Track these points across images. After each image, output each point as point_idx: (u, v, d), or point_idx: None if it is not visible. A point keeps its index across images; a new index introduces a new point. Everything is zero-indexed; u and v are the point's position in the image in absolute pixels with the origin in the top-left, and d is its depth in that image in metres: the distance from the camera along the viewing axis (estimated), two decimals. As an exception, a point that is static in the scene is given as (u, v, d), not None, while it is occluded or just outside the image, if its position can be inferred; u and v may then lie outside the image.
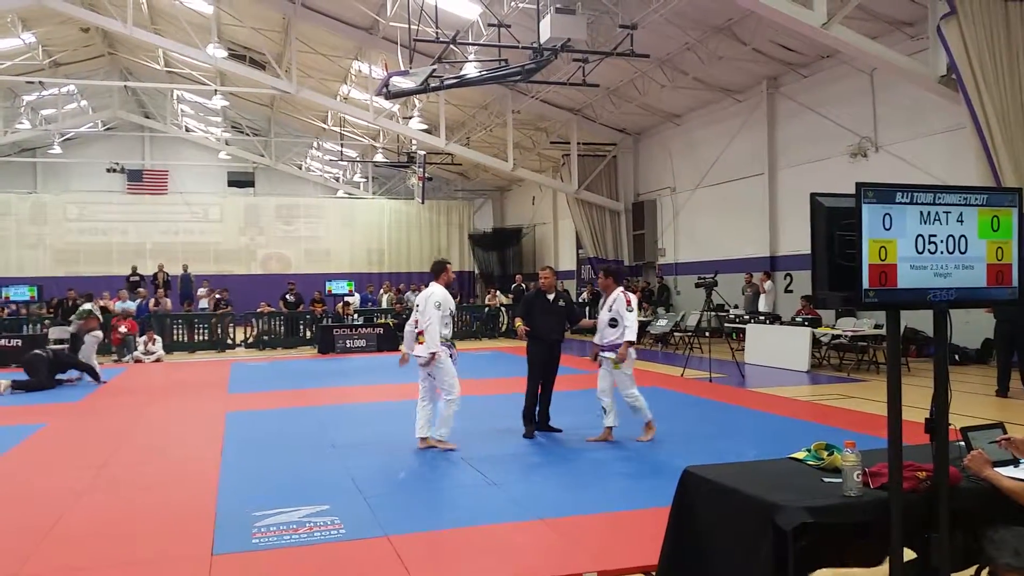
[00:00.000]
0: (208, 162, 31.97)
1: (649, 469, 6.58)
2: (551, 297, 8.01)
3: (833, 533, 3.35)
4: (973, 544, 3.17)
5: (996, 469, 3.13)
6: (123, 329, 17.30)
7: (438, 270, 7.56)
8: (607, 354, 7.45)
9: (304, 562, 4.46)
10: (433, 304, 7.21)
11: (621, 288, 7.55)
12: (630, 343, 7.30)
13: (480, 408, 9.09)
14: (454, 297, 7.36)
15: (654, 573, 3.52)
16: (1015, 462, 3.29)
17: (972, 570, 3.66)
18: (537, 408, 8.00)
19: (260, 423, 9.14)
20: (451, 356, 7.29)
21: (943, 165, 13.08)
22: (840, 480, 3.13)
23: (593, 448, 7.38)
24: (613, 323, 7.38)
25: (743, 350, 14.55)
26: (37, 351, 12.92)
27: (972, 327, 12.05)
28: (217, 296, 21.87)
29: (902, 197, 2.81)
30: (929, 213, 2.84)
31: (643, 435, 7.47)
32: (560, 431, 7.97)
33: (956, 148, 12.61)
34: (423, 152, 25.79)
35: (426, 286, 7.58)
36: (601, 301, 7.77)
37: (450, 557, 4.50)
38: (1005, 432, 3.39)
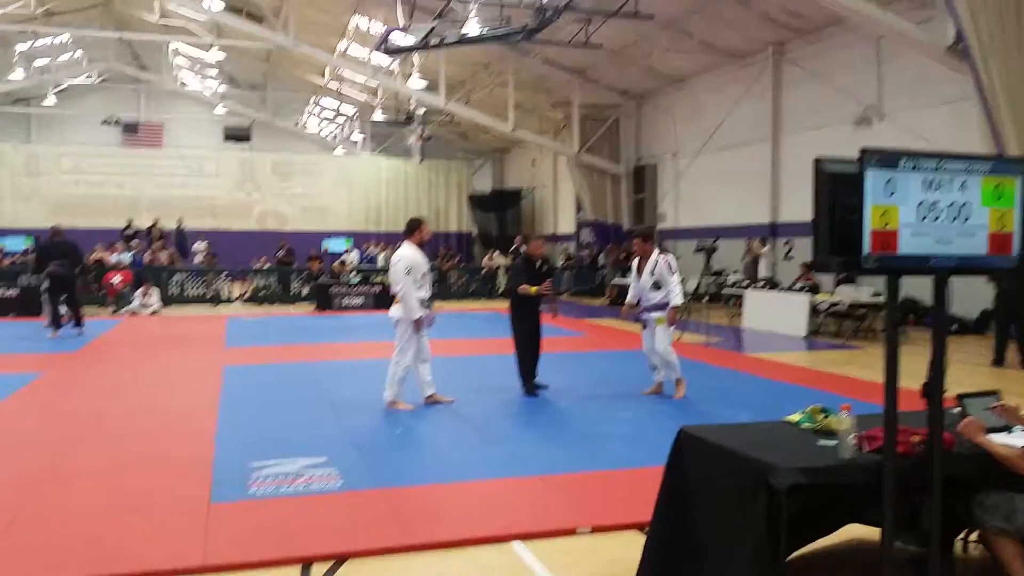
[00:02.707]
0: (204, 116, 31.66)
1: (643, 430, 6.64)
2: (537, 264, 8.13)
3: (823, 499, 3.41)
4: (963, 509, 3.22)
5: (989, 436, 3.16)
6: (117, 280, 17.27)
7: (411, 228, 7.27)
8: (655, 314, 7.65)
9: (301, 512, 4.51)
10: (403, 270, 6.99)
11: (659, 251, 7.76)
12: (676, 307, 7.64)
13: (478, 367, 9.15)
14: (433, 257, 7.26)
15: (647, 530, 3.56)
16: (1008, 428, 3.32)
17: (963, 534, 3.74)
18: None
19: (258, 377, 9.19)
20: (428, 319, 7.26)
21: (947, 136, 12.99)
22: (834, 443, 3.17)
23: (588, 409, 7.45)
24: (656, 286, 7.60)
25: (741, 316, 14.59)
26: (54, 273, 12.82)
27: (970, 298, 12.10)
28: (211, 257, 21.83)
29: (906, 163, 2.79)
30: (932, 180, 2.82)
31: (676, 391, 7.78)
32: (547, 387, 8.07)
33: (961, 119, 12.52)
34: (423, 110, 25.55)
35: (396, 247, 7.39)
36: (636, 264, 7.88)
37: (446, 511, 4.56)
38: (1000, 400, 3.41)
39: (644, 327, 7.83)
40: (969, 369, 9.35)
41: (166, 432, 6.46)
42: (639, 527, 4.16)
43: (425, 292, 7.21)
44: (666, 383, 7.92)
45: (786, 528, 3.06)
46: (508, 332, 8.07)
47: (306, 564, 3.80)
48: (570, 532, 4.21)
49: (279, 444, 5.92)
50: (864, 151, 2.72)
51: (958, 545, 3.74)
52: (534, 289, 7.78)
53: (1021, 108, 11.01)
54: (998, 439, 3.17)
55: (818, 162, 2.87)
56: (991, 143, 10.72)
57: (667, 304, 7.62)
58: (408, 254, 7.11)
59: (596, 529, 4.24)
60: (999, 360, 9.83)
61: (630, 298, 8.00)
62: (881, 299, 12.84)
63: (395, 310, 7.26)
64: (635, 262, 7.89)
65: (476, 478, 5.18)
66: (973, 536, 3.75)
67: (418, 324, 7.14)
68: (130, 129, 29.69)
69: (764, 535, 3.00)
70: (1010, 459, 3.02)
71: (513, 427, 6.83)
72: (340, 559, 3.86)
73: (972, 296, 11.94)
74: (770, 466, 2.96)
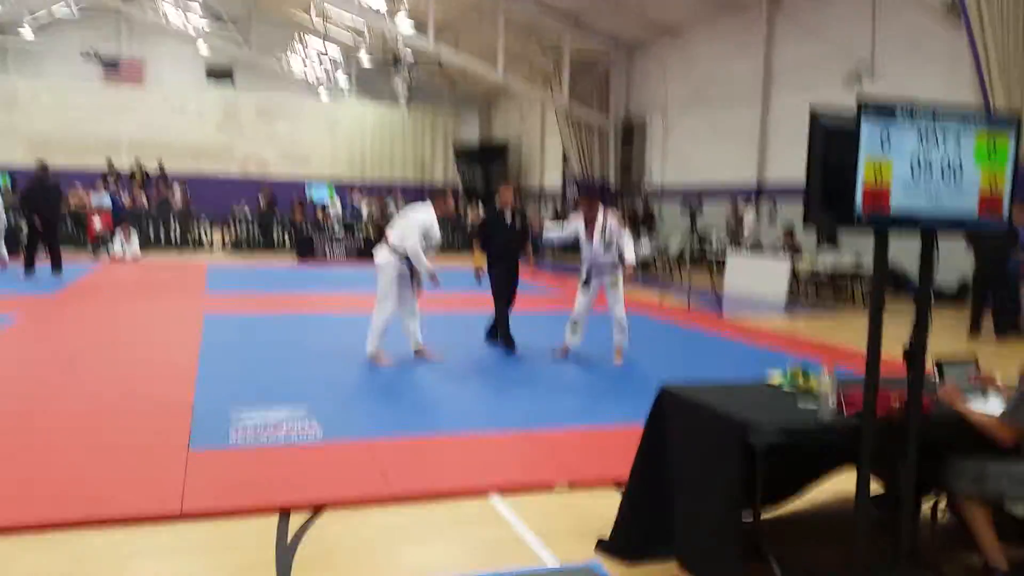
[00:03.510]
0: (186, 53, 30.88)
1: (623, 389, 6.67)
2: (508, 217, 7.98)
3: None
4: (935, 472, 3.25)
5: (966, 403, 3.18)
6: (98, 222, 17.03)
7: (435, 197, 7.36)
8: (607, 276, 7.40)
9: (281, 461, 4.51)
10: (419, 231, 7.00)
11: (606, 209, 7.42)
12: (633, 265, 7.40)
13: (461, 322, 9.13)
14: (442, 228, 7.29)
15: (624, 486, 3.58)
16: (984, 394, 3.35)
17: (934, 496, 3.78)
18: (494, 321, 8.15)
19: (239, 326, 9.12)
20: (411, 277, 7.16)
21: (938, 97, 12.90)
22: (814, 405, 3.18)
23: (568, 365, 7.47)
24: (607, 246, 7.26)
25: (722, 279, 14.62)
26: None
27: (949, 267, 12.16)
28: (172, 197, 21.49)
29: (902, 115, 2.75)
30: (927, 133, 2.78)
31: (616, 358, 7.53)
32: (499, 342, 8.11)
33: (952, 80, 12.46)
34: (409, 50, 25.05)
35: (403, 196, 7.47)
36: (583, 227, 7.32)
37: (425, 463, 4.56)
38: (978, 368, 3.43)
39: (586, 287, 7.44)
40: (946, 337, 9.43)
41: (145, 378, 6.41)
42: (615, 483, 4.19)
43: (427, 261, 7.14)
44: (607, 344, 7.64)
45: (763, 486, 3.10)
46: (481, 288, 8.05)
47: (284, 512, 3.80)
48: (548, 487, 4.23)
49: (260, 393, 5.90)
50: (861, 104, 2.67)
51: (927, 510, 3.80)
52: (479, 261, 7.60)
53: (1012, 71, 10.96)
54: (974, 405, 3.19)
55: (813, 113, 2.82)
56: (981, 105, 10.68)
57: (618, 266, 7.33)
58: (429, 217, 7.12)
59: (573, 484, 4.27)
60: (975, 328, 9.91)
61: (585, 260, 7.44)
62: (860, 269, 12.92)
63: (379, 255, 7.18)
64: (580, 225, 7.30)
65: (456, 432, 5.19)
66: (942, 504, 3.81)
67: (434, 278, 7.12)
68: (110, 65, 28.90)
69: (739, 492, 3.03)
70: (988, 426, 3.04)
71: (494, 383, 6.83)
72: (319, 508, 3.87)
73: (951, 266, 12.01)
74: (749, 425, 2.97)
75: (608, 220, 7.26)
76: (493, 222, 8.08)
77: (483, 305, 8.51)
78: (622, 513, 3.48)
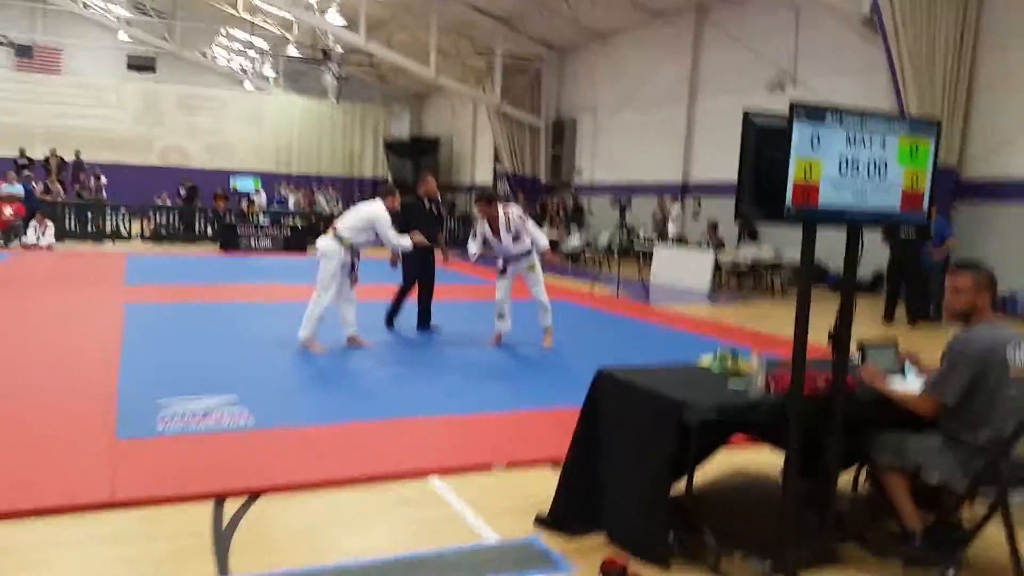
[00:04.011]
0: (106, 43, 29.76)
1: (556, 373, 6.78)
2: (428, 205, 8.34)
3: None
4: (858, 447, 3.43)
5: (886, 382, 3.37)
6: (9, 211, 16.29)
7: (386, 193, 7.55)
8: (523, 263, 7.62)
9: (212, 449, 4.43)
10: (387, 224, 7.22)
11: (503, 206, 7.68)
12: (547, 250, 7.76)
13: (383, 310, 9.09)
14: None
15: (561, 465, 3.66)
16: (902, 372, 3.55)
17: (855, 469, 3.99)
18: (418, 308, 8.46)
19: (162, 315, 8.88)
20: (352, 267, 7.21)
21: (855, 104, 13.44)
22: (743, 385, 3.32)
23: (503, 351, 7.54)
24: (516, 238, 7.53)
25: (650, 271, 14.94)
26: None
27: (865, 260, 12.69)
28: (91, 184, 20.73)
29: (832, 119, 2.89)
30: (854, 136, 2.94)
31: (545, 340, 7.76)
32: (436, 328, 8.37)
33: (869, 89, 13.02)
34: (340, 49, 24.75)
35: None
36: (488, 229, 7.54)
37: (361, 448, 4.55)
38: (899, 349, 3.63)
39: (503, 276, 7.66)
40: (862, 324, 9.84)
41: (65, 368, 6.19)
42: (552, 463, 4.26)
43: (364, 246, 7.32)
44: (508, 330, 7.82)
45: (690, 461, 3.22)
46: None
47: (219, 499, 3.74)
48: (486, 468, 4.28)
49: (186, 382, 5.76)
50: (794, 105, 2.80)
51: (849, 482, 4.00)
52: (418, 238, 7.72)
53: (925, 79, 11.54)
54: (894, 383, 3.39)
55: (747, 115, 2.95)
56: (896, 111, 11.21)
57: (530, 251, 7.60)
58: (380, 211, 7.27)
59: (511, 465, 4.33)
60: (889, 316, 10.43)
61: (499, 256, 7.70)
62: (780, 260, 13.43)
63: (323, 242, 7.20)
64: (485, 227, 7.54)
65: (392, 417, 5.18)
66: (862, 476, 4.02)
67: (354, 267, 7.22)
68: (24, 52, 27.61)
69: (670, 467, 3.15)
70: (909, 401, 3.24)
71: (428, 369, 6.85)
72: (254, 495, 3.82)
73: (866, 259, 12.53)
74: (683, 403, 3.08)
75: (510, 214, 7.54)
76: (412, 209, 8.30)
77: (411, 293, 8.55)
78: (560, 489, 3.55)
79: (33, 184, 19.17)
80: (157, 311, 9.17)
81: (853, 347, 3.36)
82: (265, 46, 29.84)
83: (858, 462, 3.79)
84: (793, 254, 12.71)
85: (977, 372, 3.06)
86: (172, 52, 30.01)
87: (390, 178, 30.64)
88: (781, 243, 13.61)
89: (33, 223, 16.31)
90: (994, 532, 3.13)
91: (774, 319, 10.16)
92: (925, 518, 3.25)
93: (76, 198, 19.74)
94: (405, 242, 7.45)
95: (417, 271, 8.29)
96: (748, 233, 14.53)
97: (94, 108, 28.05)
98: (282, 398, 5.62)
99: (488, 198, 7.69)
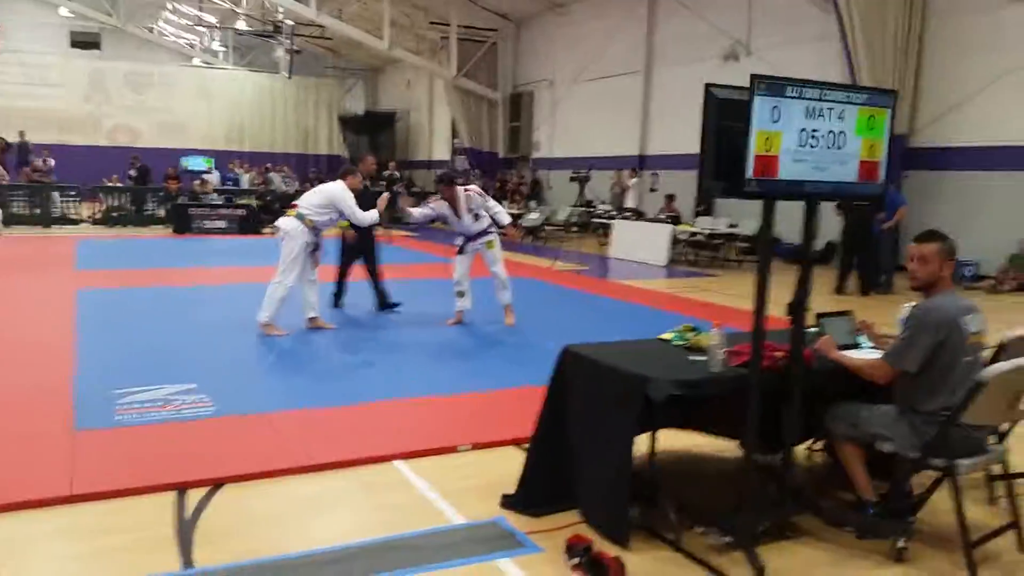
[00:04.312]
0: (47, 19, 28.73)
1: (519, 352, 6.80)
2: (368, 183, 8.44)
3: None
4: (814, 418, 3.51)
5: (841, 352, 3.43)
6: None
7: (346, 173, 7.48)
8: (481, 240, 7.63)
9: (172, 438, 4.36)
10: (352, 201, 7.15)
11: (462, 188, 7.69)
12: (514, 225, 7.78)
13: (352, 292, 9.01)
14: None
15: (527, 445, 3.68)
16: (856, 346, 3.62)
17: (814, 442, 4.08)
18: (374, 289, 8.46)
19: (115, 302, 8.68)
20: (315, 247, 7.14)
21: (809, 73, 13.52)
22: (704, 358, 3.35)
23: (464, 331, 7.53)
24: (476, 217, 7.57)
25: (608, 245, 15.02)
26: None
27: (818, 230, 12.92)
28: (40, 165, 20.11)
29: (792, 91, 2.91)
30: (814, 108, 2.96)
31: (507, 318, 7.78)
32: (400, 304, 8.36)
33: (822, 57, 13.17)
34: (291, 22, 24.23)
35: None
36: (449, 209, 7.56)
37: (324, 434, 4.52)
38: (853, 319, 3.70)
39: (461, 254, 7.68)
40: (814, 295, 10.02)
41: (16, 358, 6.02)
42: (516, 443, 4.29)
43: (325, 225, 7.23)
44: (495, 308, 7.89)
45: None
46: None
47: (181, 490, 3.69)
48: (451, 450, 4.29)
49: (144, 370, 5.66)
50: (754, 77, 2.81)
51: (803, 452, 4.09)
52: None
53: (876, 48, 11.68)
54: (849, 354, 3.45)
55: (708, 88, 2.95)
56: (848, 81, 11.35)
57: (490, 231, 7.64)
58: (341, 189, 7.22)
59: (476, 446, 4.34)
60: (841, 288, 10.62)
61: (459, 239, 7.71)
62: (736, 230, 13.59)
63: (286, 222, 7.08)
64: (445, 207, 7.56)
65: (355, 402, 5.15)
66: (818, 445, 4.12)
67: (317, 248, 7.18)
68: (-44, 28, 26.56)
69: (629, 445, 3.19)
70: (859, 368, 3.30)
71: (389, 351, 6.81)
72: (217, 484, 3.77)
73: (818, 229, 12.77)
74: (647, 379, 3.11)
75: (471, 193, 7.62)
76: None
77: (365, 274, 8.51)
78: (526, 469, 3.57)
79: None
80: (111, 297, 8.97)
81: (809, 318, 3.42)
82: (213, 20, 29.09)
83: (814, 434, 3.87)
84: (748, 225, 12.87)
85: (938, 341, 3.11)
86: (117, 28, 29.11)
87: (346, 154, 30.27)
88: (736, 215, 13.77)
89: (-24, 209, 15.80)
90: (942, 499, 3.23)
91: (729, 291, 10.30)
92: (878, 488, 3.34)
93: (28, 182, 19.08)
94: (372, 215, 7.34)
95: (357, 249, 8.29)
96: (704, 206, 14.68)
97: (37, 87, 27.17)
98: (243, 384, 5.55)
99: (449, 179, 7.75)
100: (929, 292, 3.23)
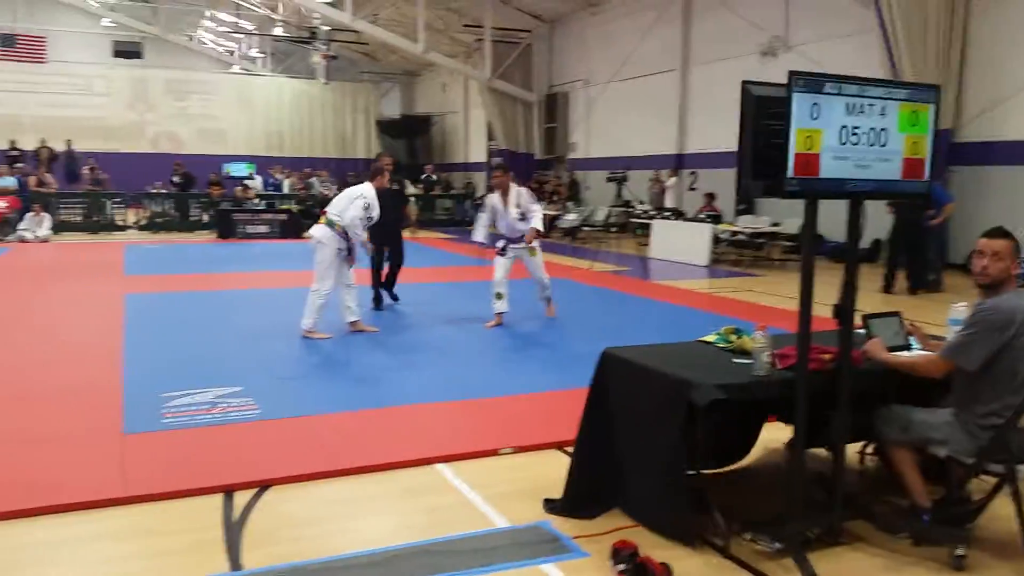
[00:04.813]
0: (90, 29, 29.41)
1: (561, 355, 6.77)
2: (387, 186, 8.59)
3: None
4: (865, 422, 3.43)
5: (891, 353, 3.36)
6: (3, 205, 16.21)
7: (376, 172, 7.49)
8: (523, 245, 7.69)
9: (219, 441, 4.43)
10: (363, 204, 7.10)
11: (519, 182, 7.92)
12: (538, 230, 7.73)
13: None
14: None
15: (569, 448, 3.67)
16: (907, 348, 3.54)
17: (860, 445, 4.00)
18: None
19: (163, 306, 8.85)
20: (348, 251, 7.17)
21: (849, 68, 13.27)
22: (749, 361, 3.30)
23: (505, 333, 7.54)
24: (522, 217, 7.62)
25: (648, 245, 14.92)
26: None
27: (864, 228, 12.69)
28: (99, 175, 20.59)
29: (831, 87, 2.86)
30: (854, 104, 2.91)
31: (547, 310, 8.06)
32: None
33: (862, 52, 12.91)
34: (327, 28, 24.48)
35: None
36: (498, 199, 7.69)
37: (367, 436, 4.56)
38: (902, 321, 3.62)
39: (502, 255, 7.72)
40: (861, 295, 9.83)
41: (68, 362, 6.18)
42: (559, 446, 4.28)
43: (362, 233, 7.22)
44: (534, 310, 8.06)
45: (705, 443, 3.22)
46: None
47: (228, 492, 3.75)
48: (493, 453, 4.29)
49: (190, 373, 5.76)
50: (792, 73, 2.76)
51: (856, 456, 4.01)
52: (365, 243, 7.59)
53: (918, 41, 11.44)
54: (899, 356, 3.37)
55: (745, 85, 2.91)
56: (890, 75, 11.13)
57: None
58: (369, 193, 7.20)
59: (518, 449, 4.33)
60: (888, 287, 10.40)
61: (502, 233, 7.78)
62: (779, 228, 13.38)
63: (317, 230, 7.15)
64: (495, 197, 7.72)
65: (397, 404, 5.18)
66: (870, 448, 4.03)
67: (350, 252, 7.22)
68: (7, 41, 27.23)
69: (682, 447, 3.15)
70: (908, 366, 3.22)
71: (430, 353, 6.84)
72: (263, 486, 3.83)
73: (865, 226, 12.53)
74: (690, 383, 3.08)
75: (522, 191, 7.72)
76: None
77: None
78: (571, 473, 3.56)
79: (25, 177, 19.02)
80: (158, 301, 9.15)
81: (857, 319, 3.35)
82: (251, 27, 29.52)
83: (865, 438, 3.79)
84: (792, 223, 12.68)
85: (1004, 342, 3.00)
86: (158, 36, 29.67)
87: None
88: (778, 213, 13.57)
89: (30, 215, 16.24)
90: (1002, 505, 3.14)
91: (773, 291, 10.16)
92: (934, 493, 3.26)
93: (86, 191, 19.50)
94: (358, 234, 7.16)
95: (381, 249, 8.49)
96: (745, 204, 14.49)
97: (84, 96, 27.76)
98: (287, 387, 5.62)
99: (504, 167, 7.99)
100: (996, 290, 3.10)
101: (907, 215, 10.25)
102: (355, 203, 7.08)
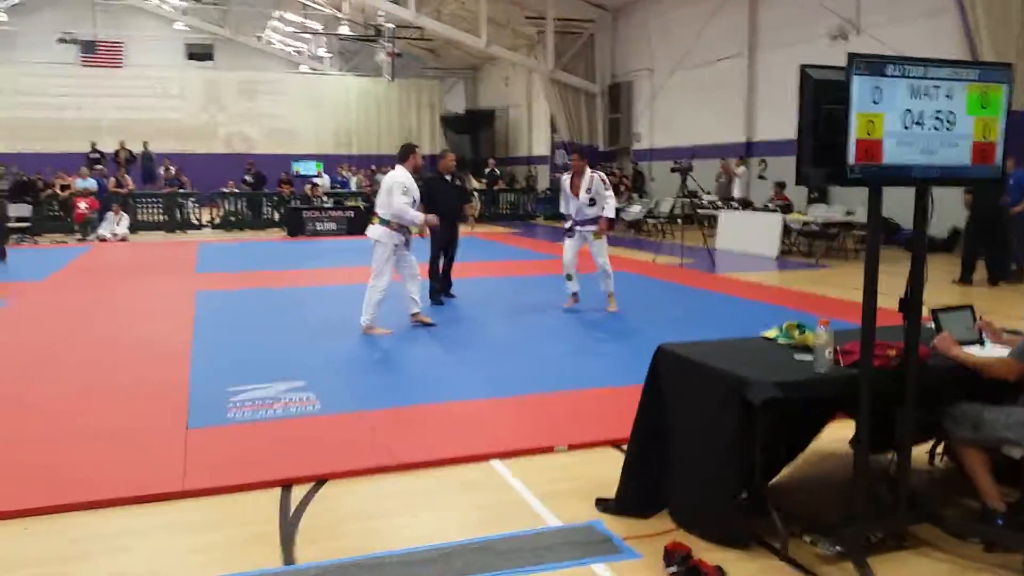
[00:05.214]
0: (164, 33, 30.41)
1: (618, 350, 6.68)
2: (448, 179, 8.76)
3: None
4: (932, 420, 3.27)
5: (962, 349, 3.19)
6: (84, 206, 16.89)
7: (405, 153, 7.36)
8: (589, 228, 7.90)
9: (280, 435, 4.51)
10: (400, 190, 7.00)
11: (592, 169, 8.01)
12: (610, 219, 8.03)
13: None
14: (417, 182, 7.33)
15: (624, 446, 3.60)
16: (980, 343, 3.36)
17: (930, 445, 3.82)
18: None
19: (231, 302, 9.09)
20: (406, 243, 7.21)
21: (923, 51, 12.80)
22: (810, 358, 3.18)
23: (564, 328, 7.50)
24: (592, 202, 7.84)
25: (715, 236, 14.62)
26: None
27: (940, 215, 12.15)
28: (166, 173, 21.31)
29: (893, 70, 2.72)
30: (919, 87, 2.76)
31: (610, 305, 8.06)
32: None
33: (936, 33, 12.37)
34: (391, 25, 24.73)
35: (391, 168, 7.41)
36: (570, 182, 7.98)
37: (425, 431, 4.57)
38: (975, 314, 3.44)
39: (570, 237, 8.02)
40: (937, 286, 9.45)
41: (139, 358, 6.38)
42: (613, 444, 4.21)
43: (416, 213, 7.16)
44: (596, 300, 8.16)
45: (762, 442, 3.11)
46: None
47: (286, 486, 3.81)
48: (548, 450, 4.25)
49: (256, 369, 5.88)
50: (851, 56, 2.64)
51: (924, 456, 3.83)
52: (429, 217, 7.48)
53: (998, 19, 10.88)
54: (971, 351, 3.20)
55: (804, 69, 2.79)
56: (970, 58, 10.60)
57: (599, 219, 7.90)
58: (402, 178, 7.12)
59: (572, 447, 4.28)
60: (966, 277, 9.93)
61: (571, 215, 8.04)
62: (853, 218, 12.91)
63: (373, 230, 7.18)
64: (568, 180, 8.00)
65: (454, 400, 5.19)
66: (939, 448, 3.84)
67: (426, 226, 7.32)
68: (88, 48, 28.43)
69: (739, 448, 3.04)
70: (982, 366, 3.05)
71: (487, 348, 6.83)
72: (321, 480, 3.87)
73: (941, 213, 11.99)
74: (745, 380, 2.98)
75: (595, 176, 7.88)
76: (434, 184, 8.54)
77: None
78: (624, 472, 3.49)
79: (105, 178, 19.80)
80: (228, 297, 9.40)
81: (925, 313, 3.19)
82: (318, 27, 30.05)
83: (934, 436, 3.61)
84: (866, 212, 12.22)
85: None
86: (228, 38, 30.48)
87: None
88: (852, 201, 13.11)
89: (109, 215, 16.89)
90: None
91: (846, 284, 9.80)
92: (1008, 496, 3.08)
93: (166, 193, 20.24)
94: (411, 215, 7.06)
95: (442, 243, 8.64)
96: (817, 193, 14.05)
97: (159, 99, 28.72)
98: (347, 382, 5.69)
99: (587, 154, 8.35)
100: None
101: (985, 202, 9.77)
102: (393, 192, 7.03)
